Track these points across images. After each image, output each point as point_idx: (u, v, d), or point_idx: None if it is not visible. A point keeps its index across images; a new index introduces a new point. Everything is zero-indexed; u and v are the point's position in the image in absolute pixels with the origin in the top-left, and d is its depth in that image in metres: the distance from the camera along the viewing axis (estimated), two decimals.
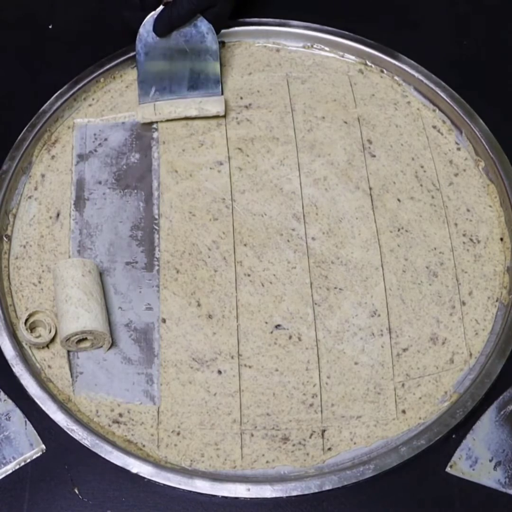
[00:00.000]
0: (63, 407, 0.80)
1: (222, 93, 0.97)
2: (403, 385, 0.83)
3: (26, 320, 0.83)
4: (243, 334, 0.85)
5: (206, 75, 0.96)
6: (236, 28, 1.03)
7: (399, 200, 0.93)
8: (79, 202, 0.92)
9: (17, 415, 0.79)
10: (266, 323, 0.86)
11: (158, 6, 0.92)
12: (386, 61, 1.01)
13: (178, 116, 0.96)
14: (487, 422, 0.80)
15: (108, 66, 0.99)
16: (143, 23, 0.93)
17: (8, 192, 0.91)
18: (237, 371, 0.83)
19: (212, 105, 0.96)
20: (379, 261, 0.89)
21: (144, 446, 0.80)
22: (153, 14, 0.92)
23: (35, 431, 0.79)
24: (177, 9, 0.91)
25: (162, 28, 0.93)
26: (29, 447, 0.78)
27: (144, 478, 0.77)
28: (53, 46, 1.02)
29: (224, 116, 0.97)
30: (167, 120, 0.97)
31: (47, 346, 0.84)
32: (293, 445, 0.81)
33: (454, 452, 0.79)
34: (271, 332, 0.85)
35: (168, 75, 0.95)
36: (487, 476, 0.78)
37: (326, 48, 1.03)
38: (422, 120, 0.99)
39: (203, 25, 0.93)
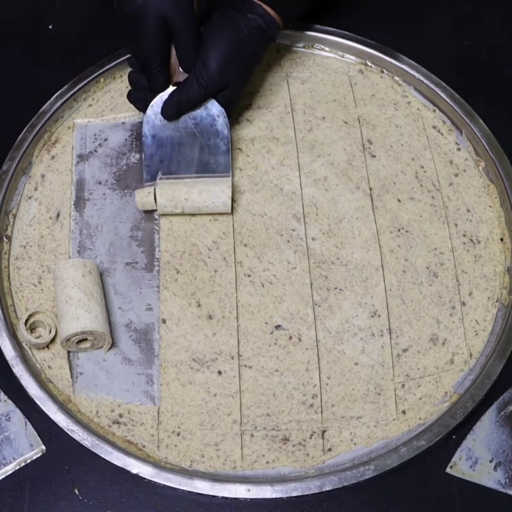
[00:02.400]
0: (63, 407, 0.80)
1: (232, 177, 0.91)
2: (403, 385, 0.83)
3: (26, 321, 0.83)
4: (243, 334, 0.85)
5: (216, 160, 0.91)
6: None
7: (399, 200, 0.93)
8: (79, 202, 0.92)
9: (17, 416, 0.79)
10: (266, 323, 0.86)
11: (167, 87, 0.88)
12: (386, 61, 1.01)
13: (180, 211, 0.90)
14: (487, 423, 0.80)
15: (108, 66, 0.99)
16: (151, 105, 0.89)
17: (8, 192, 0.91)
18: (237, 371, 0.83)
19: (219, 196, 0.88)
20: (379, 262, 0.89)
21: (144, 446, 0.80)
22: (162, 95, 0.88)
23: (35, 432, 0.79)
24: (186, 92, 0.87)
25: (170, 112, 0.89)
26: (29, 448, 0.78)
27: (144, 478, 0.77)
28: (53, 46, 1.02)
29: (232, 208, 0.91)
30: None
31: (47, 346, 0.84)
32: (293, 445, 0.81)
33: (454, 452, 0.79)
34: (271, 333, 0.85)
35: (176, 159, 0.91)
36: (487, 476, 0.78)
37: (326, 48, 1.03)
38: (422, 120, 0.99)
39: (214, 108, 0.89)
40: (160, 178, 0.89)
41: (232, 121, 0.95)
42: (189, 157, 0.90)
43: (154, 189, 0.88)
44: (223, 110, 0.89)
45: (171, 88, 0.88)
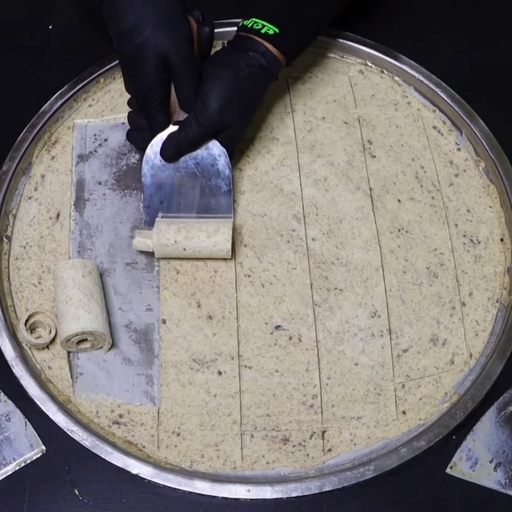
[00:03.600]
0: (63, 408, 0.80)
1: (233, 218, 0.89)
2: (403, 386, 0.83)
3: (26, 321, 0.83)
4: (243, 335, 0.85)
5: (217, 201, 0.89)
6: (236, 28, 1.03)
7: (399, 200, 0.93)
8: (79, 202, 0.92)
9: (17, 416, 0.79)
10: (266, 324, 0.86)
11: (167, 127, 0.86)
12: (386, 61, 1.01)
13: (178, 256, 0.87)
14: (487, 423, 0.80)
15: (108, 66, 0.99)
16: (150, 144, 0.87)
17: (8, 192, 0.91)
18: (237, 372, 0.83)
19: (219, 243, 0.85)
20: (379, 262, 0.89)
21: (144, 447, 0.80)
22: (162, 135, 0.87)
23: (35, 432, 0.79)
24: (186, 133, 0.86)
25: (169, 154, 0.87)
26: (29, 448, 0.78)
27: (144, 479, 0.77)
28: (53, 46, 1.02)
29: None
30: None
31: (47, 347, 0.84)
32: (293, 446, 0.81)
33: (454, 453, 0.79)
34: (271, 333, 0.85)
35: (176, 200, 0.89)
36: (487, 477, 0.78)
37: (327, 49, 1.03)
38: (422, 120, 0.98)
39: (215, 147, 0.87)
40: (159, 220, 0.87)
41: (235, 161, 0.93)
42: (189, 198, 0.89)
43: (153, 233, 0.86)
44: (224, 150, 0.87)
45: (171, 127, 0.86)
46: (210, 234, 0.85)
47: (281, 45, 0.87)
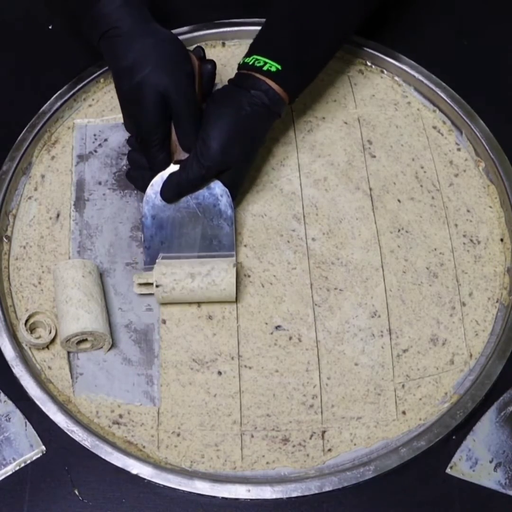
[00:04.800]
0: (63, 408, 0.80)
1: (236, 258, 0.87)
2: (403, 386, 0.83)
3: (26, 321, 0.83)
4: (243, 335, 0.85)
5: (219, 241, 0.87)
6: (236, 28, 1.03)
7: (399, 200, 0.93)
8: (79, 202, 0.92)
9: (17, 416, 0.79)
10: (266, 324, 0.86)
11: (167, 166, 0.85)
12: (386, 61, 1.01)
13: (179, 301, 0.85)
14: (487, 423, 0.80)
15: (108, 66, 0.99)
16: (151, 184, 0.86)
17: (8, 192, 0.91)
18: (237, 372, 0.83)
19: (222, 288, 0.83)
20: (379, 262, 0.89)
21: (144, 447, 0.80)
22: (162, 174, 0.85)
23: (35, 432, 0.79)
24: (186, 173, 0.84)
25: (170, 194, 0.85)
26: (29, 448, 0.78)
27: (144, 479, 0.77)
28: (53, 46, 1.02)
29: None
30: None
31: (47, 347, 0.84)
32: (293, 446, 0.81)
33: (454, 453, 0.79)
34: (271, 333, 0.85)
35: (177, 241, 0.86)
36: (487, 477, 0.78)
37: None
38: (422, 120, 0.98)
39: (217, 187, 0.85)
40: (158, 264, 0.84)
41: (237, 200, 0.91)
42: (191, 238, 0.87)
43: (154, 277, 0.83)
44: (226, 190, 0.86)
45: (172, 167, 0.85)
46: (213, 280, 0.83)
47: (284, 83, 0.85)
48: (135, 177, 0.89)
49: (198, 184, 0.85)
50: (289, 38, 0.88)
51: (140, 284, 0.85)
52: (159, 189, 0.85)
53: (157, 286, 0.83)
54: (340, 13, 0.89)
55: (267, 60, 0.85)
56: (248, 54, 0.88)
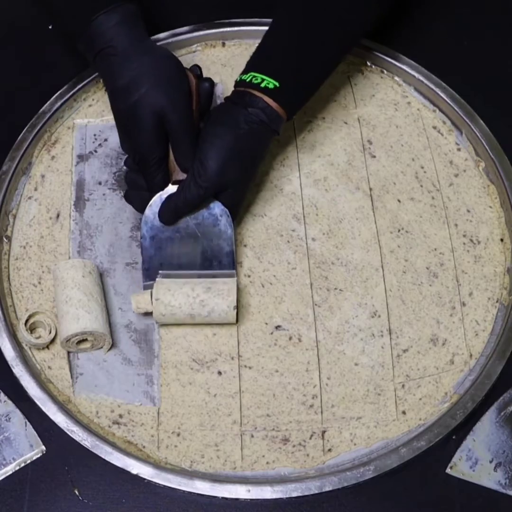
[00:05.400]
0: (63, 408, 0.80)
1: (237, 277, 0.86)
2: (403, 386, 0.83)
3: (26, 321, 0.83)
4: (243, 335, 0.85)
5: (219, 262, 0.85)
6: (236, 28, 1.03)
7: (399, 200, 0.93)
8: (79, 202, 0.92)
9: (17, 416, 0.79)
10: (266, 324, 0.86)
11: (166, 186, 0.84)
12: (386, 61, 1.01)
13: (178, 319, 0.84)
14: (487, 423, 0.80)
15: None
16: (149, 204, 0.84)
17: (8, 192, 0.91)
18: (237, 372, 0.83)
19: (223, 309, 0.82)
20: (379, 262, 0.89)
21: (144, 447, 0.80)
22: (161, 194, 0.84)
23: (35, 432, 0.79)
24: (184, 195, 0.82)
25: (168, 217, 0.84)
26: (29, 448, 0.78)
27: (144, 479, 0.77)
28: (53, 46, 1.02)
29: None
30: None
31: (47, 347, 0.84)
32: (293, 446, 0.81)
33: (454, 453, 0.79)
34: (271, 333, 0.85)
35: (176, 262, 0.85)
36: (488, 477, 0.78)
37: None
38: (422, 120, 0.98)
39: (217, 207, 0.84)
40: (157, 284, 0.83)
41: (238, 220, 0.90)
42: (190, 258, 0.85)
43: (151, 297, 0.82)
44: (226, 210, 0.85)
45: (170, 187, 0.84)
46: (213, 302, 0.81)
47: (281, 99, 0.84)
48: (133, 198, 0.87)
49: (196, 206, 0.84)
50: (287, 54, 0.86)
51: (138, 307, 0.83)
52: (157, 209, 0.84)
53: (155, 310, 0.82)
54: (339, 28, 0.88)
55: (264, 77, 0.84)
56: (245, 71, 0.86)
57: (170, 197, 0.84)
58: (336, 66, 0.92)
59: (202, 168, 0.82)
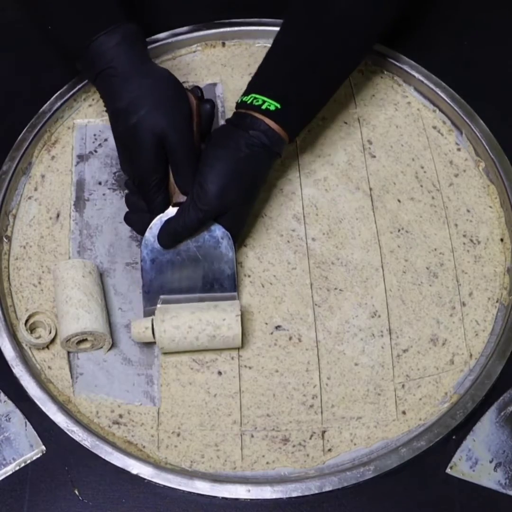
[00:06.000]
0: (63, 408, 0.80)
1: (239, 298, 0.86)
2: (403, 386, 0.83)
3: (26, 321, 0.83)
4: (243, 335, 0.85)
5: (221, 285, 0.84)
6: (236, 28, 1.03)
7: (399, 200, 0.93)
8: (79, 202, 0.92)
9: (17, 416, 0.79)
10: (266, 324, 0.86)
11: (166, 208, 0.83)
12: (386, 61, 1.01)
13: (182, 347, 0.82)
14: (487, 423, 0.80)
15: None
16: (149, 226, 0.83)
17: (8, 192, 0.91)
18: (237, 372, 0.83)
19: (227, 335, 0.81)
20: (379, 262, 0.89)
21: (144, 447, 0.80)
22: (162, 217, 0.83)
23: (35, 432, 0.79)
24: (183, 218, 0.81)
25: (166, 240, 0.83)
26: (29, 448, 0.78)
27: (144, 479, 0.77)
28: (53, 46, 1.02)
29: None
30: None
31: (47, 347, 0.84)
32: (293, 446, 0.81)
33: (454, 453, 0.79)
34: (271, 333, 0.85)
35: (177, 285, 0.84)
36: (487, 477, 0.78)
37: None
38: (422, 120, 0.98)
39: (218, 230, 0.83)
40: (159, 311, 0.81)
41: (240, 242, 0.89)
42: (191, 281, 0.84)
43: (152, 323, 0.81)
44: (227, 232, 0.84)
45: (171, 209, 0.83)
46: (216, 328, 0.80)
47: (283, 121, 0.83)
48: (133, 221, 0.86)
49: (196, 229, 0.83)
50: (288, 75, 0.85)
51: (137, 333, 0.82)
52: (157, 232, 0.83)
53: (157, 338, 0.81)
54: (341, 49, 0.87)
55: (265, 99, 0.82)
56: (246, 92, 0.85)
57: (169, 220, 0.83)
58: (340, 85, 0.91)
59: (201, 192, 0.81)
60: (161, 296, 0.84)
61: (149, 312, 0.83)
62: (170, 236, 0.83)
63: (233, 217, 0.84)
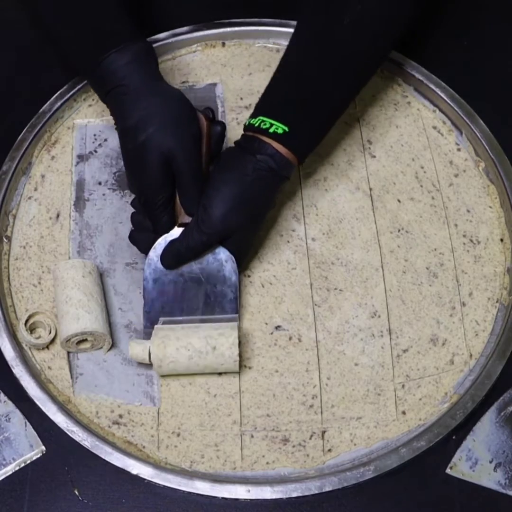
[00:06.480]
0: (63, 408, 0.80)
1: (239, 321, 0.85)
2: (403, 386, 0.83)
3: (26, 321, 0.83)
4: (243, 335, 0.85)
5: (222, 308, 0.84)
6: (236, 28, 1.03)
7: (399, 200, 0.93)
8: (79, 202, 0.92)
9: (17, 417, 0.79)
10: (266, 324, 0.86)
11: (171, 228, 0.82)
12: (386, 61, 1.01)
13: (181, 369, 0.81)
14: (487, 424, 0.80)
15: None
16: (153, 246, 0.83)
17: (8, 192, 0.91)
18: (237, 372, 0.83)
19: (224, 359, 0.80)
20: (379, 262, 0.89)
21: (144, 447, 0.80)
22: (166, 237, 0.82)
23: (35, 433, 0.79)
24: (186, 240, 0.80)
25: (169, 261, 0.82)
26: (29, 449, 0.78)
27: (144, 479, 0.77)
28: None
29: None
30: None
31: (47, 347, 0.84)
32: (293, 446, 0.81)
33: (454, 453, 0.79)
34: (271, 333, 0.85)
35: (178, 306, 0.83)
36: (487, 477, 0.78)
37: None
38: (422, 120, 0.98)
39: (222, 252, 0.83)
40: (157, 333, 0.80)
41: (244, 266, 0.88)
42: (193, 303, 0.84)
43: (149, 347, 0.80)
44: (231, 255, 0.83)
45: (176, 229, 0.82)
46: (215, 356, 0.79)
47: (291, 145, 0.81)
48: (138, 240, 0.85)
49: (199, 252, 0.82)
50: (296, 98, 0.83)
51: (136, 354, 0.81)
52: (161, 252, 0.83)
53: (154, 360, 0.80)
54: (349, 70, 0.85)
55: (273, 122, 0.81)
56: (254, 115, 0.84)
57: (173, 241, 0.82)
58: (345, 108, 0.89)
59: (205, 215, 0.80)
60: (161, 318, 0.83)
61: (148, 333, 0.82)
62: (174, 257, 0.82)
63: (238, 241, 0.83)
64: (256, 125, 0.82)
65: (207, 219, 0.80)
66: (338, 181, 0.94)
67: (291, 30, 1.01)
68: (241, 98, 0.99)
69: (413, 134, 0.97)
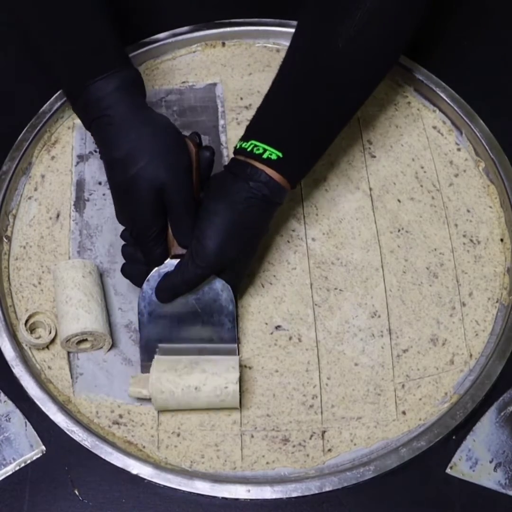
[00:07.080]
0: (63, 408, 0.80)
1: (238, 350, 0.83)
2: (403, 386, 0.83)
3: (26, 321, 0.83)
4: (243, 335, 0.85)
5: (220, 337, 0.82)
6: (236, 28, 1.03)
7: (399, 200, 0.93)
8: (79, 202, 0.92)
9: (17, 416, 0.79)
10: (266, 324, 0.86)
11: (164, 260, 0.80)
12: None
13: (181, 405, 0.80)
14: (487, 424, 0.80)
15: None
16: (147, 279, 0.81)
17: (8, 193, 0.91)
18: None
19: (224, 393, 0.79)
20: (379, 262, 0.89)
21: (144, 447, 0.80)
22: (159, 269, 0.80)
23: (35, 432, 0.79)
24: (181, 274, 0.78)
25: (164, 295, 0.80)
26: (29, 448, 0.78)
27: (144, 479, 0.77)
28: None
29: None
30: None
31: (47, 347, 0.84)
32: (293, 446, 0.81)
33: (454, 453, 0.79)
34: (271, 333, 0.85)
35: (175, 338, 0.82)
36: (487, 477, 0.78)
37: None
38: (422, 120, 0.98)
39: (217, 282, 0.80)
40: (155, 368, 0.79)
41: (241, 293, 0.87)
42: (190, 334, 0.82)
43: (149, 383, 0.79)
44: (227, 285, 0.81)
45: (169, 261, 0.80)
46: (215, 389, 0.78)
47: (285, 171, 0.79)
48: (130, 272, 0.83)
49: (195, 285, 0.80)
50: (291, 122, 0.81)
51: (135, 391, 0.80)
52: (155, 284, 0.81)
53: (153, 397, 0.79)
54: (343, 93, 0.82)
55: (267, 147, 0.78)
56: (245, 138, 0.81)
57: (167, 275, 0.80)
58: (339, 132, 0.86)
59: (199, 248, 0.78)
60: (160, 345, 0.82)
61: (146, 367, 0.81)
62: (169, 291, 0.80)
63: (233, 270, 0.81)
64: (249, 149, 0.79)
65: (202, 252, 0.78)
66: (338, 181, 0.94)
67: (291, 30, 1.01)
68: (241, 98, 0.99)
69: (413, 134, 0.97)
